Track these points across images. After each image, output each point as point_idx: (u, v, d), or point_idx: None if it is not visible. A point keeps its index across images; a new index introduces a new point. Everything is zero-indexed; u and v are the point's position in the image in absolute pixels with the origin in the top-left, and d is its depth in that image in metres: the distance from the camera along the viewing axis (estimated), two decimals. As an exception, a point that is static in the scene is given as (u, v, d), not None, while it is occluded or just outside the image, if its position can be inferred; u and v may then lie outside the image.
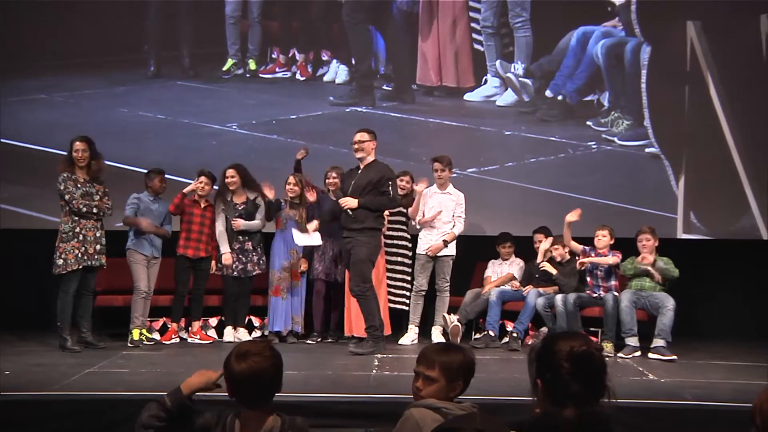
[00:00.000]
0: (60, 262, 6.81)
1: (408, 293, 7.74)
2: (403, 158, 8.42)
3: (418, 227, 7.76)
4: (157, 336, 7.58)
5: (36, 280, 8.12)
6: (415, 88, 8.85)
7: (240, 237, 7.65)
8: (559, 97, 8.73)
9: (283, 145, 8.63)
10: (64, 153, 7.03)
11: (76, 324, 7.04)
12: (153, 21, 8.93)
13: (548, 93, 8.74)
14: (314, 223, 7.52)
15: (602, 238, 7.46)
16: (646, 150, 8.55)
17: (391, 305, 7.75)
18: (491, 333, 7.51)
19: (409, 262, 7.83)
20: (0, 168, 8.55)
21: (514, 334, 7.45)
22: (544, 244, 7.77)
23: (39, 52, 8.77)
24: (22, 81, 8.81)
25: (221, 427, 2.61)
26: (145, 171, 7.62)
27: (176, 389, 2.70)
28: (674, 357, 6.89)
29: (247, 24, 8.97)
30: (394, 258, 7.81)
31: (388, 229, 7.78)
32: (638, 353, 7.03)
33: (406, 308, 7.71)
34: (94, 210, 6.93)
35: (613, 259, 7.41)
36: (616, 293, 7.33)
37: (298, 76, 8.97)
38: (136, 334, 7.28)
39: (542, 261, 7.74)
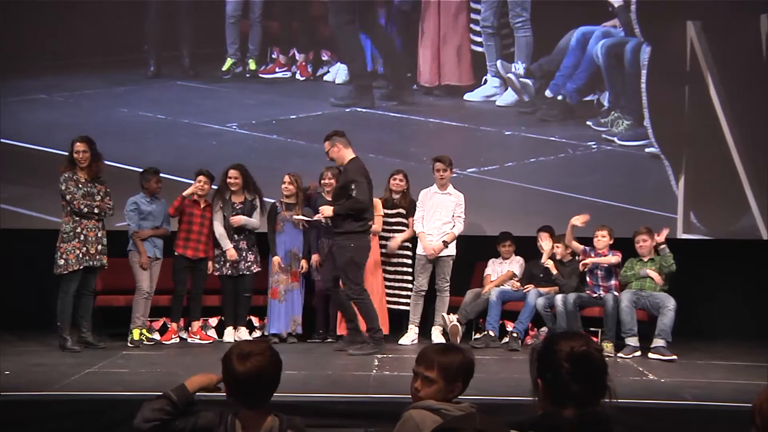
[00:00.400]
0: (61, 262, 6.81)
1: (408, 293, 7.74)
2: (403, 158, 8.43)
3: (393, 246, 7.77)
4: (157, 336, 7.57)
5: (36, 280, 8.11)
6: (415, 88, 8.85)
7: (236, 236, 7.65)
8: (559, 97, 8.73)
9: (283, 145, 8.63)
10: (65, 153, 7.03)
11: (76, 324, 7.04)
12: (153, 21, 8.93)
13: (548, 93, 8.74)
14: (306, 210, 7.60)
15: (602, 239, 7.47)
16: (646, 150, 8.55)
17: (392, 306, 7.77)
18: (491, 333, 7.51)
19: (409, 262, 7.84)
20: (0, 168, 8.55)
21: (514, 334, 7.45)
22: (545, 243, 7.75)
23: (39, 52, 8.76)
24: (22, 81, 8.80)
25: (223, 427, 2.62)
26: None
27: (181, 386, 2.72)
28: (674, 357, 6.89)
29: (248, 24, 8.96)
30: (394, 259, 7.81)
31: (389, 230, 7.79)
32: (638, 353, 7.04)
33: (407, 308, 7.72)
34: (96, 210, 6.93)
35: (614, 258, 7.41)
36: (616, 293, 7.34)
37: (298, 76, 8.98)
38: (136, 334, 7.28)
39: (546, 259, 7.74)
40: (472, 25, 8.76)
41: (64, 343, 6.86)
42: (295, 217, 7.57)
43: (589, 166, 8.60)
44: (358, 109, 8.82)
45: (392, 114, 8.83)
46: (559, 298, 7.37)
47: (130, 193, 7.52)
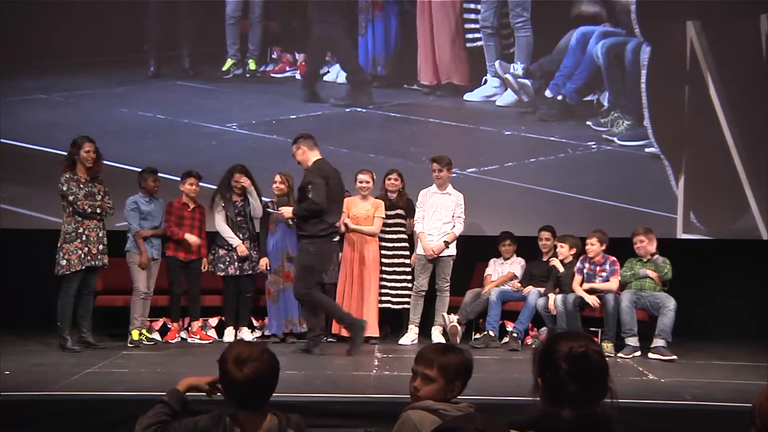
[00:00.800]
0: (63, 262, 6.80)
1: (408, 294, 7.74)
2: (403, 158, 8.43)
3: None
4: (157, 336, 7.57)
5: (36, 280, 8.11)
6: (415, 87, 8.84)
7: (239, 235, 7.65)
8: (559, 97, 8.73)
9: (283, 145, 8.60)
10: (64, 153, 7.02)
11: (76, 324, 7.04)
12: (153, 21, 8.93)
13: (548, 93, 8.74)
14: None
15: (591, 247, 7.42)
16: (646, 150, 8.54)
17: (392, 306, 7.77)
18: (491, 333, 7.51)
19: (409, 262, 7.83)
20: (0, 168, 8.55)
21: (514, 334, 7.45)
22: (559, 248, 7.68)
23: (39, 52, 8.76)
24: (22, 81, 8.81)
25: (222, 429, 2.61)
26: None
27: (173, 390, 2.74)
28: (674, 357, 6.89)
29: (248, 24, 8.96)
30: (393, 259, 7.81)
31: (388, 230, 7.79)
32: (638, 353, 7.03)
33: (407, 306, 7.72)
34: (98, 210, 6.93)
35: (614, 282, 7.34)
36: (616, 293, 7.33)
37: (297, 76, 8.98)
38: (135, 334, 7.28)
39: (550, 258, 7.73)
40: (467, 25, 8.76)
41: (64, 343, 6.86)
42: (271, 210, 7.53)
43: (589, 166, 8.60)
44: (358, 109, 8.83)
45: (392, 114, 8.83)
46: (559, 298, 7.37)
47: (129, 193, 7.52)
